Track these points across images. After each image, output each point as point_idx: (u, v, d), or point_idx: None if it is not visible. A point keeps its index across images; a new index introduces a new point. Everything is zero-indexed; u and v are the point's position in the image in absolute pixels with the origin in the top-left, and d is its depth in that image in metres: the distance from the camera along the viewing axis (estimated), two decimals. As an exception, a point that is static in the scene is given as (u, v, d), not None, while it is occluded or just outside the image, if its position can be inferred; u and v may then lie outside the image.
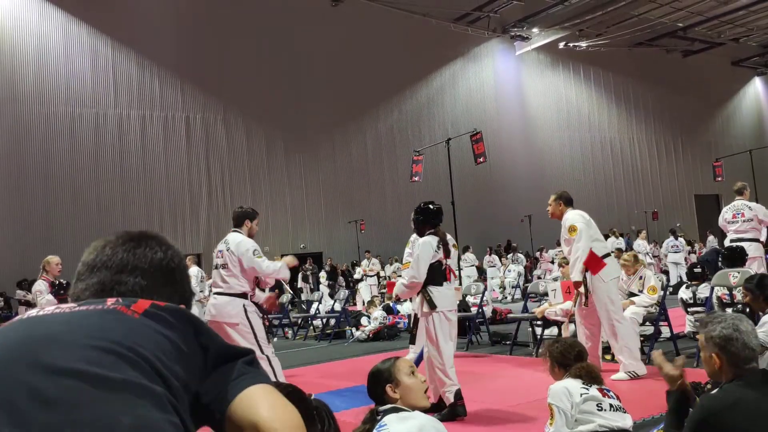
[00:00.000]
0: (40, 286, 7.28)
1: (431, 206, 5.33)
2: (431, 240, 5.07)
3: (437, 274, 5.00)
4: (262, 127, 23.42)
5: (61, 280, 7.37)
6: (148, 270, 1.24)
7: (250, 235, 5.47)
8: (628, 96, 32.49)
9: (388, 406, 2.67)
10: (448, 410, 4.82)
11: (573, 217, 6.10)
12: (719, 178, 20.71)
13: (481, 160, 9.57)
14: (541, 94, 30.26)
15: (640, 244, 17.95)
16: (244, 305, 5.21)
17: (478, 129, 10.73)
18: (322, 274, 20.53)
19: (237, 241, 5.34)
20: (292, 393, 1.67)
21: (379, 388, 2.72)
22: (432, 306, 4.94)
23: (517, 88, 29.67)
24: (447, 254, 5.15)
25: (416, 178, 10.47)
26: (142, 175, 21.46)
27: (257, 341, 5.16)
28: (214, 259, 5.48)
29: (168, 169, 21.96)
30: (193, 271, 12.06)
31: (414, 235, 7.87)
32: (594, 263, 5.91)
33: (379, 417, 2.61)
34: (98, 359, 0.97)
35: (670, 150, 33.79)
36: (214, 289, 5.40)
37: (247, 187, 23.22)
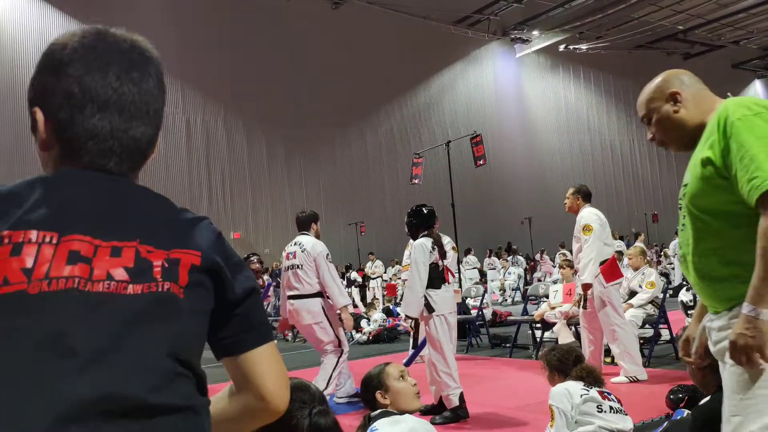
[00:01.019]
0: None
1: (424, 209, 5.36)
2: (425, 242, 5.07)
3: (434, 276, 4.99)
4: (262, 128, 23.43)
5: None
6: (152, 116, 1.15)
7: (317, 236, 5.76)
8: (628, 98, 32.50)
9: (379, 411, 2.68)
10: (452, 413, 4.82)
11: (589, 216, 5.94)
12: (719, 181, 20.70)
13: (481, 162, 9.56)
14: (541, 96, 30.29)
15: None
16: (321, 304, 5.45)
17: (478, 131, 10.73)
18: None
19: (312, 242, 5.58)
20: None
21: (370, 394, 2.73)
22: (430, 310, 4.93)
23: (518, 91, 29.71)
24: (442, 255, 5.15)
25: (416, 181, 10.46)
26: (142, 175, 21.33)
27: (337, 337, 5.46)
28: (284, 261, 5.69)
29: (168, 169, 21.97)
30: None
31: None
32: (611, 272, 5.79)
33: (370, 422, 2.61)
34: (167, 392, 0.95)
35: (670, 153, 33.68)
36: (289, 292, 5.57)
37: (248, 188, 23.23)
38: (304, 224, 5.85)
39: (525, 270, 19.83)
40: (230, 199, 22.66)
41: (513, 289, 17.85)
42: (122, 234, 1.00)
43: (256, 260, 7.34)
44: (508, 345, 8.26)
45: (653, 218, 28.14)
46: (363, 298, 18.80)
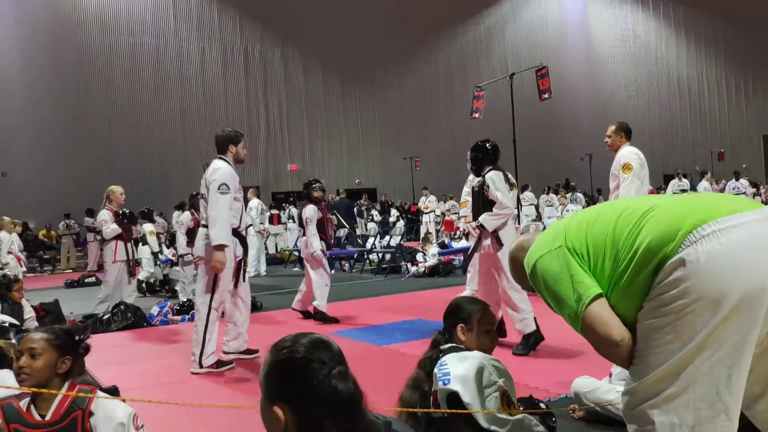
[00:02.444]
0: (105, 215, 7.44)
1: (488, 144, 5.23)
2: (499, 174, 5.01)
3: None
4: (319, 60, 23.28)
5: (124, 210, 7.54)
6: None
7: (238, 161, 5.02)
8: (698, 30, 30.94)
9: (449, 345, 2.68)
10: (526, 342, 4.90)
11: (629, 155, 5.71)
12: (793, 119, 19.69)
13: (546, 96, 9.25)
14: (607, 26, 29.09)
15: (705, 187, 17.36)
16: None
17: (542, 63, 10.38)
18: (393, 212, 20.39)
19: (213, 169, 4.87)
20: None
21: (453, 322, 2.72)
22: (500, 242, 4.92)
23: (583, 20, 28.58)
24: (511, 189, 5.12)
25: (476, 115, 10.22)
26: (201, 106, 21.73)
27: (213, 286, 4.77)
28: (201, 189, 5.07)
29: (227, 101, 22.18)
30: (254, 203, 12.27)
31: (472, 176, 7.82)
32: None
33: (441, 355, 2.62)
34: None
35: (740, 88, 32.27)
36: (202, 222, 4.97)
37: (304, 120, 23.29)
38: (221, 145, 5.00)
39: (583, 208, 19.49)
40: (287, 130, 22.77)
41: (571, 227, 17.62)
42: None
43: (318, 187, 7.20)
44: (566, 282, 8.22)
45: (718, 156, 27.10)
46: (416, 232, 18.86)
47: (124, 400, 3.28)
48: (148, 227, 11.18)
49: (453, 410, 2.42)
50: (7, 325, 4.62)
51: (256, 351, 5.17)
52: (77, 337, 2.40)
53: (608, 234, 1.88)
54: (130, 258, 7.45)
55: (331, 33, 22.93)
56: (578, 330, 1.91)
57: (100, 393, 2.35)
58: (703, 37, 31.03)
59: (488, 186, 4.99)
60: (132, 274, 7.48)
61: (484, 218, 4.98)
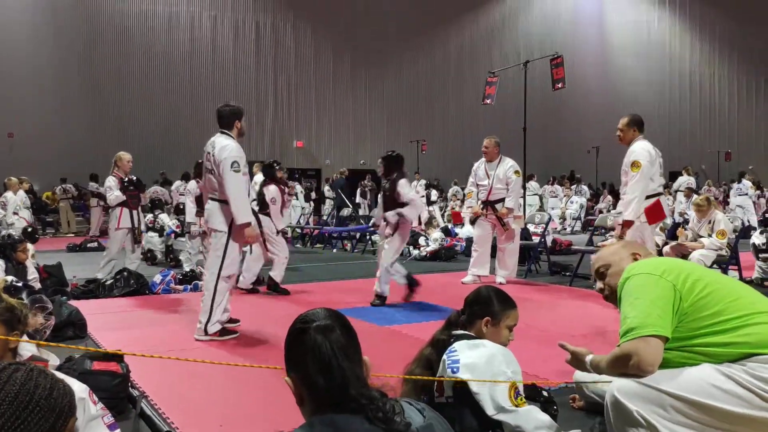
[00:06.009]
0: (111, 182, 7.41)
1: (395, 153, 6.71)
2: (406, 180, 6.51)
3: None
4: (330, 38, 23.15)
5: (131, 177, 7.49)
6: None
7: (240, 135, 5.03)
8: (714, 28, 30.70)
9: (461, 332, 2.67)
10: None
11: (640, 152, 5.65)
12: (803, 122, 19.59)
13: (560, 85, 9.19)
14: (621, 20, 28.90)
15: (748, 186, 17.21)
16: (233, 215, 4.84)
17: (554, 53, 10.34)
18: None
19: (222, 145, 4.85)
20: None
21: (479, 312, 2.69)
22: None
23: (597, 13, 28.40)
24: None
25: (488, 101, 10.15)
26: (211, 77, 21.65)
27: (223, 256, 4.86)
28: (204, 162, 5.03)
29: (236, 73, 22.09)
30: (259, 177, 12.23)
31: (476, 163, 7.88)
32: (655, 214, 5.70)
33: (451, 340, 2.61)
34: None
35: (752, 89, 32.07)
36: (209, 195, 4.97)
37: (312, 98, 23.20)
38: (226, 120, 4.99)
39: (587, 200, 19.49)
40: (295, 107, 22.69)
41: (574, 219, 17.64)
42: None
43: (280, 168, 7.59)
44: (567, 273, 8.22)
45: (726, 156, 27.00)
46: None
47: (121, 358, 3.30)
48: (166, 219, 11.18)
49: (464, 380, 2.41)
50: (20, 285, 4.63)
51: (237, 321, 5.30)
52: (21, 316, 2.38)
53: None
54: (135, 226, 7.42)
55: (344, 12, 22.78)
56: (622, 339, 2.15)
57: (52, 369, 2.31)
58: (718, 36, 30.77)
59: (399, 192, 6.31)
60: (137, 242, 7.47)
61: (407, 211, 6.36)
